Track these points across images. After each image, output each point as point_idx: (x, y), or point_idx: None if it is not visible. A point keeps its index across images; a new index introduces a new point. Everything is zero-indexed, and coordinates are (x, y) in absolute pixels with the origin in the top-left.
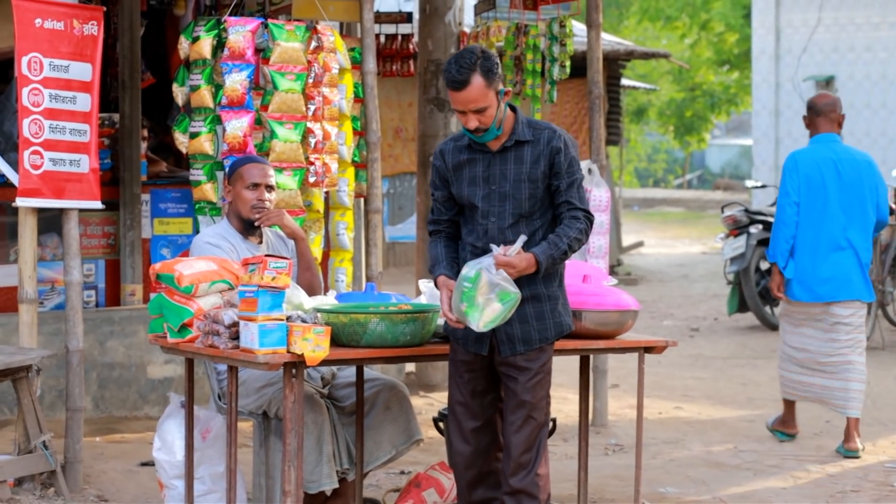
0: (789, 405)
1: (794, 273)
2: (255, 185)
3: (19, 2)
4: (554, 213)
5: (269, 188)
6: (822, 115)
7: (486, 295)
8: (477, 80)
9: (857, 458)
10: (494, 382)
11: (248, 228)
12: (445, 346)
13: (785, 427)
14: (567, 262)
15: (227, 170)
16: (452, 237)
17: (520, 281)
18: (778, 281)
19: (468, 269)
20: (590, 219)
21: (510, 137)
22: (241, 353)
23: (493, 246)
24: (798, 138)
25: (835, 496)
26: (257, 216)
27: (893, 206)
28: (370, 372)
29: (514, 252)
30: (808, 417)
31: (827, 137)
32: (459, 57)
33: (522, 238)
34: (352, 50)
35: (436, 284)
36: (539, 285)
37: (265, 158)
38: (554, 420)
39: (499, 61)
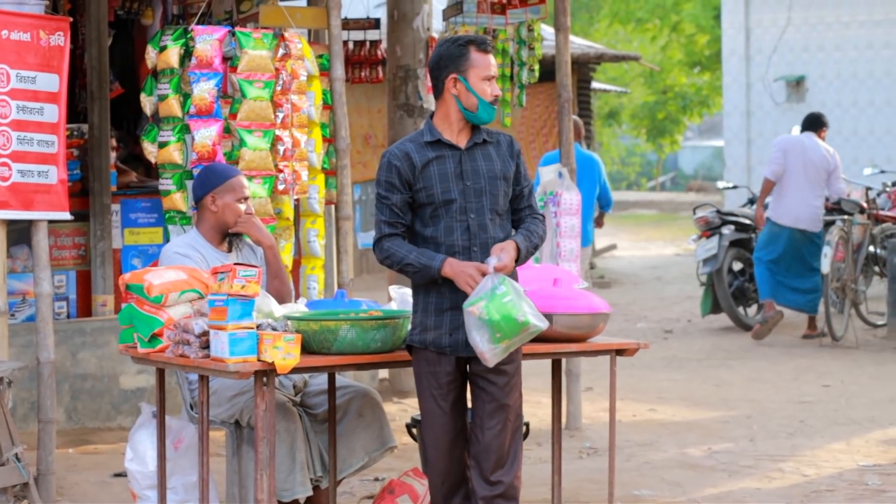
0: None
1: None
2: (246, 198)
3: None
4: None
5: (247, 199)
6: None
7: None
8: None
9: None
10: (465, 390)
11: (222, 238)
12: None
13: None
14: (538, 265)
15: (207, 178)
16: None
17: None
18: None
19: (492, 287)
20: (545, 224)
21: (476, 135)
22: (212, 363)
23: (490, 259)
24: (770, 138)
25: (809, 496)
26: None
27: (863, 204)
28: (342, 379)
29: (497, 260)
30: (782, 417)
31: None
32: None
33: (493, 259)
34: (320, 57)
35: (441, 272)
36: None
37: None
38: (527, 424)
39: None
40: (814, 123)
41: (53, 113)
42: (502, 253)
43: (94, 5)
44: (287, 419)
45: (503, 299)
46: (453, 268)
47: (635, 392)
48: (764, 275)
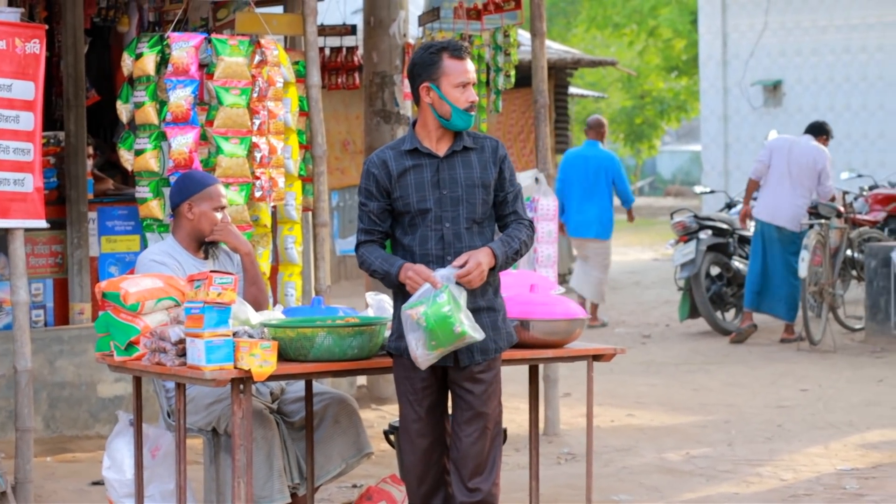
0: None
1: (568, 222)
2: (223, 207)
3: None
4: (497, 224)
5: (224, 208)
6: (591, 129)
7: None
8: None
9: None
10: (444, 396)
11: (199, 245)
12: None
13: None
14: (514, 271)
15: (185, 185)
16: (383, 248)
17: (473, 292)
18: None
19: (434, 294)
20: (533, 229)
21: (457, 142)
22: (189, 370)
23: (449, 268)
24: (747, 143)
25: (787, 500)
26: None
27: (840, 208)
28: (319, 386)
29: (447, 270)
30: (760, 422)
31: (590, 143)
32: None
33: (452, 269)
34: (296, 63)
35: (398, 276)
36: (490, 296)
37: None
38: (505, 430)
39: None
40: (814, 129)
41: (29, 121)
42: (467, 260)
43: (70, 13)
44: (264, 426)
45: (442, 308)
46: (405, 273)
47: (613, 397)
48: (750, 280)
